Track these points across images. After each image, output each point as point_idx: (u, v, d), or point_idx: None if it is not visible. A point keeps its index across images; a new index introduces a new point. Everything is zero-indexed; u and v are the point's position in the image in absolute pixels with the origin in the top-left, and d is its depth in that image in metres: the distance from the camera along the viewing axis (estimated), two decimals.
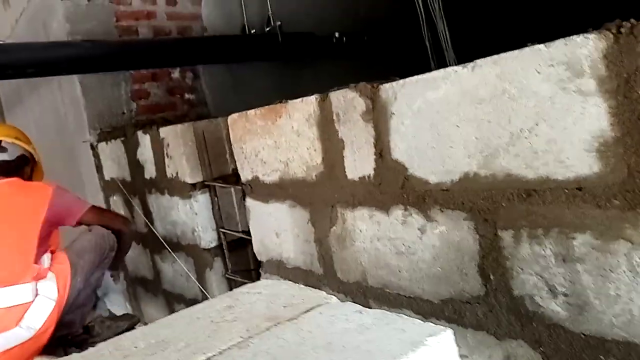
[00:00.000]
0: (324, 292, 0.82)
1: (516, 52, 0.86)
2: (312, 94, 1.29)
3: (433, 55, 3.21)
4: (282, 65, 3.72)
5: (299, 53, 3.56)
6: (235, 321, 0.77)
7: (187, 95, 3.39)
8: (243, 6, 3.51)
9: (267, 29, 3.47)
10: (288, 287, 0.88)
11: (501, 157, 0.92)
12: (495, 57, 0.89)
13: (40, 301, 1.84)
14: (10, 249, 1.83)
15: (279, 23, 3.37)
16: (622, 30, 0.73)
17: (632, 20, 0.73)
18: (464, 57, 1.08)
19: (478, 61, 0.92)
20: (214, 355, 0.67)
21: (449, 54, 3.09)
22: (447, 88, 0.98)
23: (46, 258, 1.98)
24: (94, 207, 2.16)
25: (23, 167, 2.14)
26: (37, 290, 1.85)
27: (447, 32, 3.10)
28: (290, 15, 3.52)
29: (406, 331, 0.61)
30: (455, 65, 0.95)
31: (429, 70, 1.03)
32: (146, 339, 0.78)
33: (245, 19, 3.53)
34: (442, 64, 3.05)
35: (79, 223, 2.10)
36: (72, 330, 2.12)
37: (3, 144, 2.11)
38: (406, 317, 0.67)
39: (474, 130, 0.95)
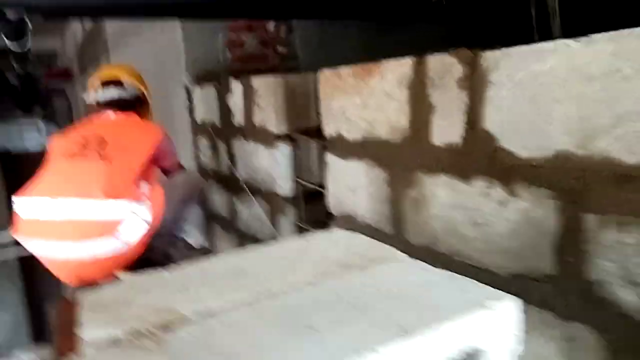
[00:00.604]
0: (393, 248, 0.85)
1: (638, 29, 0.82)
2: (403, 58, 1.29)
3: (537, 24, 3.04)
4: (376, 26, 3.67)
5: (394, 13, 3.48)
6: (307, 262, 0.82)
7: (279, 49, 3.46)
8: None
9: None
10: (360, 239, 0.92)
11: (601, 139, 0.89)
12: (612, 33, 0.85)
13: (135, 220, 2.04)
14: (117, 168, 2.03)
15: None
16: None
17: None
18: (571, 29, 1.03)
19: (593, 36, 0.88)
20: (285, 288, 0.73)
21: (555, 24, 2.91)
22: (556, 61, 0.95)
23: (144, 186, 2.18)
24: (180, 164, 2.42)
25: (137, 106, 2.37)
26: (134, 210, 2.05)
27: (556, 1, 2.91)
28: None
29: (471, 292, 0.64)
30: (561, 37, 0.92)
31: (532, 40, 1.00)
32: (226, 267, 0.85)
33: None
34: (546, 35, 2.89)
35: (167, 172, 2.34)
36: (154, 254, 2.32)
37: (123, 83, 2.34)
38: (472, 281, 0.69)
39: (577, 108, 0.92)
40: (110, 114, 2.29)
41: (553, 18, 2.96)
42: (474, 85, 1.12)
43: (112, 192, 1.98)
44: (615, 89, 0.86)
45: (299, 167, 2.13)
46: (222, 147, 2.72)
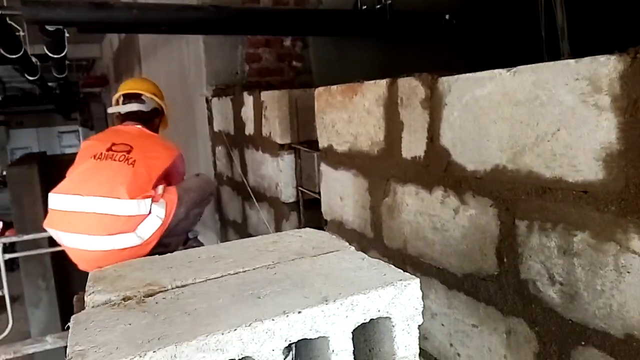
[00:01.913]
0: (346, 242, 1.01)
1: (551, 63, 0.96)
2: (381, 79, 1.45)
3: (547, 45, 3.14)
4: (389, 43, 3.83)
5: (406, 32, 3.64)
6: (273, 252, 0.99)
7: (294, 63, 3.66)
8: None
9: (378, 6, 3.59)
10: (321, 235, 1.08)
11: (526, 155, 1.03)
12: (534, 65, 1.00)
13: (152, 218, 2.26)
14: (140, 172, 2.28)
15: (389, 1, 3.47)
16: (638, 55, 0.81)
17: None
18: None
19: (520, 67, 1.03)
20: (249, 269, 0.90)
21: (564, 45, 3.01)
22: (492, 87, 1.09)
23: (160, 188, 2.41)
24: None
25: (154, 118, 2.63)
26: (151, 209, 2.27)
27: (565, 22, 3.02)
28: None
29: (387, 275, 0.79)
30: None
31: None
32: (208, 254, 1.02)
33: None
34: (555, 55, 2.98)
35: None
36: (167, 250, 2.54)
37: (143, 97, 2.60)
38: (393, 267, 0.84)
39: (508, 128, 1.07)
40: (132, 126, 2.54)
41: (562, 38, 3.06)
42: (433, 105, 1.28)
43: (135, 193, 2.22)
44: (535, 113, 1.00)
45: (300, 176, 2.30)
46: (235, 155, 2.92)
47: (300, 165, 2.29)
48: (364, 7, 3.67)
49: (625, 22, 3.67)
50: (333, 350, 0.71)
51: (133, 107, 2.58)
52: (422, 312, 1.35)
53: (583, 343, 0.97)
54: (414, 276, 0.77)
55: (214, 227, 3.55)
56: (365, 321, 0.74)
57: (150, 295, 0.81)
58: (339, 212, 1.82)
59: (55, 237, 2.32)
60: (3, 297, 3.93)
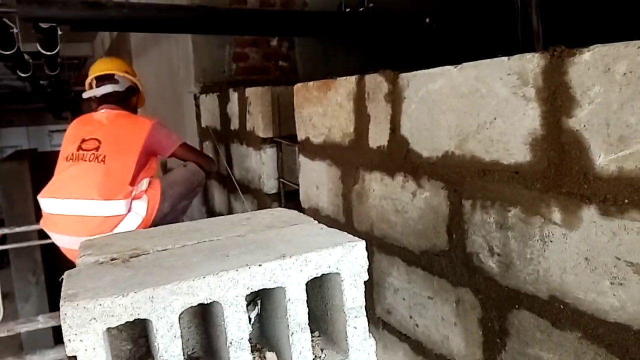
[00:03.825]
0: (311, 218, 1.14)
1: (489, 60, 1.10)
2: (351, 76, 1.59)
3: (522, 48, 3.30)
4: (372, 44, 3.97)
5: (387, 33, 3.78)
6: (246, 225, 1.12)
7: (280, 62, 3.79)
8: None
9: (361, 9, 3.73)
10: (290, 213, 1.21)
11: (470, 142, 1.17)
12: (476, 62, 1.13)
13: (130, 216, 2.35)
14: (112, 169, 2.34)
15: (372, 5, 3.61)
16: (555, 52, 0.95)
17: (563, 46, 0.94)
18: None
19: (464, 64, 1.16)
20: (222, 238, 1.03)
21: (539, 47, 3.17)
22: (442, 82, 1.23)
23: (144, 182, 2.49)
24: (185, 144, 2.65)
25: (131, 96, 2.68)
26: (131, 206, 2.36)
27: (540, 27, 3.17)
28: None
29: (339, 239, 0.92)
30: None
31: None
32: (188, 227, 1.15)
33: None
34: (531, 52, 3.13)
35: (172, 155, 2.60)
36: None
37: (115, 77, 2.65)
38: (345, 234, 0.97)
39: (455, 118, 1.20)
40: (102, 113, 2.55)
41: (537, 41, 3.22)
42: (395, 99, 1.41)
43: (108, 193, 2.27)
44: (476, 104, 1.13)
45: (282, 168, 2.43)
46: (221, 149, 3.04)
47: (281, 158, 2.42)
48: (347, 9, 3.81)
49: (601, 23, 3.83)
50: (289, 299, 0.84)
51: (107, 88, 2.59)
52: (387, 288, 1.48)
53: (517, 306, 1.10)
54: (361, 239, 0.90)
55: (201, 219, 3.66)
56: (317, 275, 0.87)
57: (134, 257, 0.93)
58: (315, 200, 1.95)
59: (52, 238, 2.43)
60: None
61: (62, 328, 0.71)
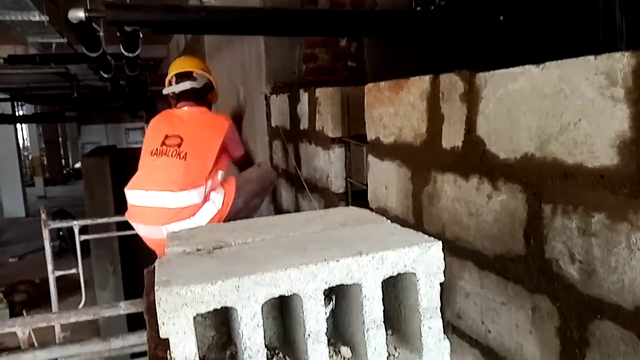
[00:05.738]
0: (383, 217, 1.15)
1: (574, 59, 1.06)
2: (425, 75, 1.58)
3: (604, 47, 3.13)
4: (440, 43, 3.90)
5: (459, 32, 3.70)
6: (320, 222, 1.15)
7: (349, 63, 3.81)
8: None
9: (432, 7, 3.68)
10: (363, 212, 1.22)
11: (552, 144, 1.13)
12: (559, 61, 1.10)
13: (207, 206, 2.48)
14: (191, 165, 2.49)
15: (443, 2, 3.55)
16: None
17: None
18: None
19: (547, 63, 1.13)
20: (299, 233, 1.06)
21: (622, 46, 2.99)
22: (523, 82, 1.20)
23: (220, 175, 2.63)
24: (246, 153, 2.82)
25: (207, 93, 2.85)
26: (209, 197, 2.49)
27: (624, 24, 3.00)
28: None
29: (415, 239, 0.93)
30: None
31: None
32: (266, 222, 1.20)
33: None
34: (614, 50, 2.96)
35: (235, 158, 2.76)
36: None
37: (194, 74, 2.82)
38: (421, 234, 0.98)
39: (536, 119, 1.17)
40: (183, 110, 2.74)
41: (620, 39, 3.05)
42: (471, 99, 1.39)
43: (186, 186, 2.44)
44: (559, 105, 1.10)
45: (349, 168, 2.45)
46: (290, 148, 3.11)
47: (349, 157, 2.44)
48: (418, 7, 3.76)
49: None
50: (365, 296, 0.86)
51: (186, 85, 2.79)
52: (457, 292, 1.46)
53: (599, 316, 1.06)
54: (437, 240, 0.90)
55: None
56: (393, 274, 0.88)
57: (218, 248, 0.98)
58: (384, 200, 1.95)
59: (135, 229, 2.61)
60: (76, 279, 4.32)
61: (157, 312, 0.76)
